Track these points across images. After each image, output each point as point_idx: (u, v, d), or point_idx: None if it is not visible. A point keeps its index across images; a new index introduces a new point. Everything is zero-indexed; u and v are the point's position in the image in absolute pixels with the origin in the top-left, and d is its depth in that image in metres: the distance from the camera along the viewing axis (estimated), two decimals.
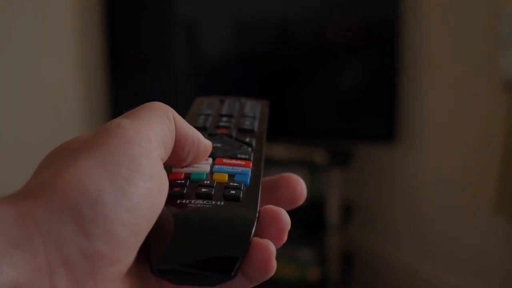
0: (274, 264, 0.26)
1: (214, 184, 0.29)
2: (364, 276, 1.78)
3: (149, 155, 0.25)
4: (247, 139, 0.34)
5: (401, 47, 1.54)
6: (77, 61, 1.80)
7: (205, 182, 0.29)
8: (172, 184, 0.28)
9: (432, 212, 1.61)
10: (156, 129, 0.27)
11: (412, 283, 1.66)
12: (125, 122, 0.26)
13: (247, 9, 1.67)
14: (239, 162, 0.31)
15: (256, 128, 0.36)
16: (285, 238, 0.28)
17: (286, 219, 0.28)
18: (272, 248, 0.26)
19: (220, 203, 0.27)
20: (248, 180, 0.30)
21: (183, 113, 0.34)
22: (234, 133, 0.35)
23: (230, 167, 0.31)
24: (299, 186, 0.32)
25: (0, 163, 1.63)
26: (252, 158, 0.32)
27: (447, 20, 1.50)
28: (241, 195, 0.28)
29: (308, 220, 1.66)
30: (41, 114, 1.72)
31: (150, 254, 0.26)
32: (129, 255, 0.24)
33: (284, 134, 1.66)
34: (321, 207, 1.64)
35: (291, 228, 0.29)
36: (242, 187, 0.29)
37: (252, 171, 0.31)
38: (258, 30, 1.69)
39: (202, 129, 0.35)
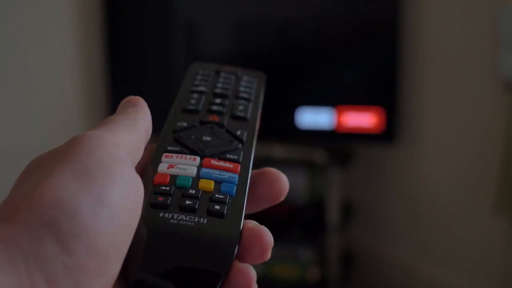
0: None
1: (199, 195, 0.28)
2: (364, 276, 1.78)
3: (119, 161, 0.25)
4: (239, 132, 0.34)
5: (401, 47, 1.54)
6: (77, 62, 1.80)
7: (190, 191, 0.28)
8: (156, 190, 0.28)
9: (432, 212, 1.61)
10: (123, 135, 0.27)
11: (412, 283, 1.66)
12: (90, 132, 0.26)
13: (247, 9, 1.67)
14: (227, 165, 0.31)
15: (249, 114, 0.35)
16: (269, 255, 0.28)
17: (269, 239, 0.27)
18: (253, 273, 0.26)
19: (203, 220, 0.27)
20: (234, 191, 0.29)
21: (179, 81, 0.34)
22: (226, 121, 0.34)
23: (217, 172, 0.30)
24: (278, 184, 0.31)
25: None
26: (241, 159, 0.32)
27: (447, 20, 1.50)
28: (225, 211, 0.28)
29: (308, 220, 1.66)
30: (40, 116, 1.72)
31: (129, 269, 0.25)
32: (113, 267, 0.24)
33: (284, 134, 1.66)
34: (321, 207, 1.64)
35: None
36: (228, 200, 0.28)
37: (239, 177, 0.30)
38: (258, 30, 1.69)
39: (194, 112, 0.35)
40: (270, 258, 0.27)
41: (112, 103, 1.75)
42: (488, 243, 1.47)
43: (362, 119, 1.62)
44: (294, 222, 1.64)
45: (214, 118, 0.34)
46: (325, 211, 1.62)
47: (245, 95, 0.37)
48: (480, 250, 1.50)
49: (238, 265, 0.26)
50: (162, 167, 0.30)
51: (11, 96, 1.67)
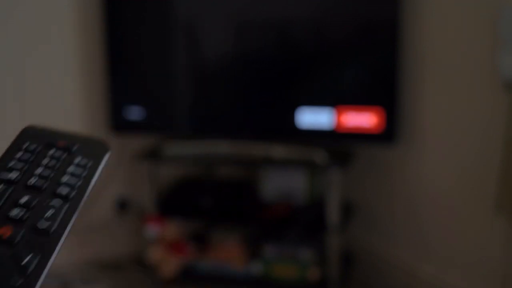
0: None
1: None
2: (364, 276, 1.78)
3: None
4: (27, 259, 0.26)
5: (401, 47, 1.54)
6: (77, 62, 1.80)
7: None
8: None
9: (432, 212, 1.61)
10: None
11: (411, 283, 1.66)
12: None
13: (247, 9, 1.67)
14: None
15: (55, 226, 0.28)
16: None
17: None
18: None
19: None
20: None
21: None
22: (19, 237, 0.27)
23: None
24: None
25: None
26: None
27: (447, 20, 1.50)
28: None
29: (308, 220, 1.66)
30: (40, 116, 1.72)
31: None
32: None
33: (284, 134, 1.66)
34: (321, 207, 1.64)
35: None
36: None
37: None
38: (258, 30, 1.69)
39: None
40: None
41: (111, 103, 1.75)
42: (488, 243, 1.47)
43: (362, 119, 1.62)
44: (294, 222, 1.64)
45: (7, 231, 0.27)
46: (325, 211, 1.62)
47: (66, 190, 0.30)
48: (480, 250, 1.50)
49: None
50: None
51: (11, 96, 1.67)
